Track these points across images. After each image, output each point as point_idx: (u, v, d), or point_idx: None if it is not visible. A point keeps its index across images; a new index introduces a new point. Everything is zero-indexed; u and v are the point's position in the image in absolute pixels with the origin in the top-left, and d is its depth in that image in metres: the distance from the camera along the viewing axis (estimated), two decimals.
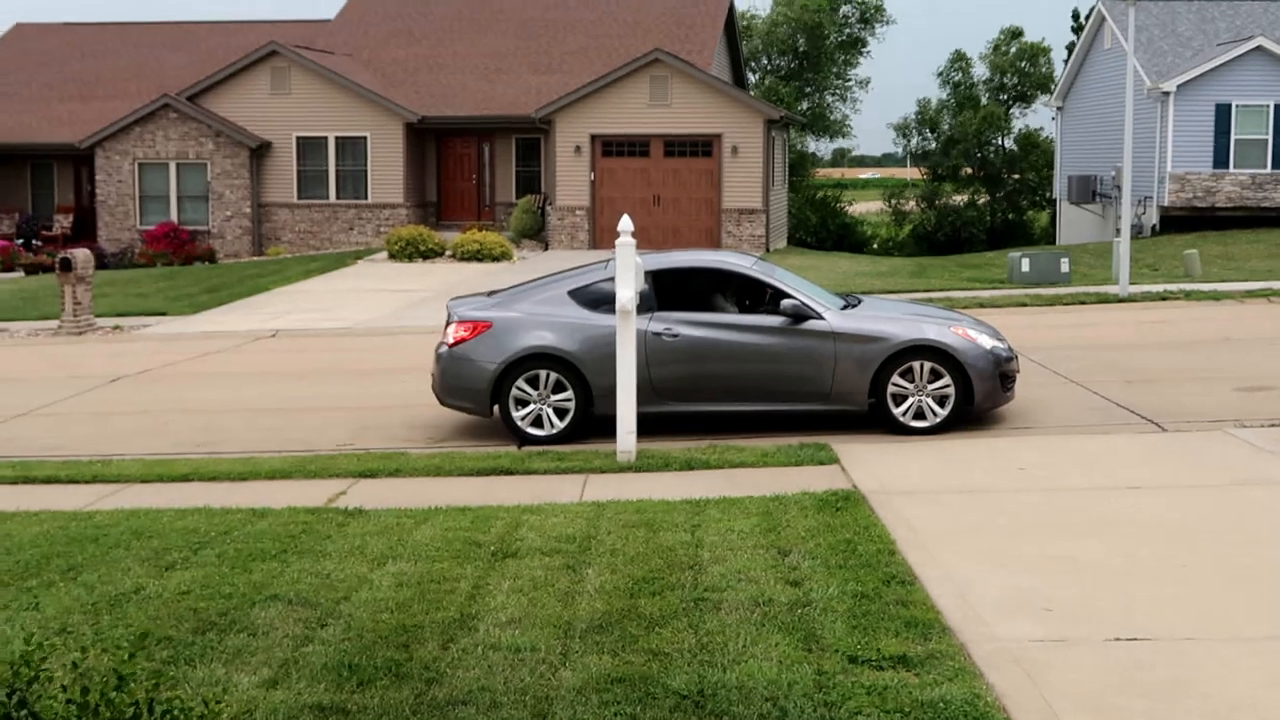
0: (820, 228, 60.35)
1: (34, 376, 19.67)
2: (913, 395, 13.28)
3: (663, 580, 8.26)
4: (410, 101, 40.75)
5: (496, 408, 13.62)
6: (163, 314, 27.18)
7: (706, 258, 14.48)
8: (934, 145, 66.41)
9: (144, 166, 41.05)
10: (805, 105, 64.68)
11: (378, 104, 40.19)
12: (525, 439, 13.41)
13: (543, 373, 13.43)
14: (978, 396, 13.32)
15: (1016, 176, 64.67)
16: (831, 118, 66.82)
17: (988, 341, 13.55)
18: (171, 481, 12.07)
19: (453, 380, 13.76)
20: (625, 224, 12.16)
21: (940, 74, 67.29)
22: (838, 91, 67.02)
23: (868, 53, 68.61)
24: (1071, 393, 15.18)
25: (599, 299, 13.55)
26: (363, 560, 8.95)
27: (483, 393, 13.56)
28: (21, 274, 37.65)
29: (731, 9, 47.18)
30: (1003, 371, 13.50)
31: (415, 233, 36.47)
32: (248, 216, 40.75)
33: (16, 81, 46.48)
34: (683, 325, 13.43)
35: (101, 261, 34.75)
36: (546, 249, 38.58)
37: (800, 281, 14.32)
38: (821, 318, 13.41)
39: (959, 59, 66.85)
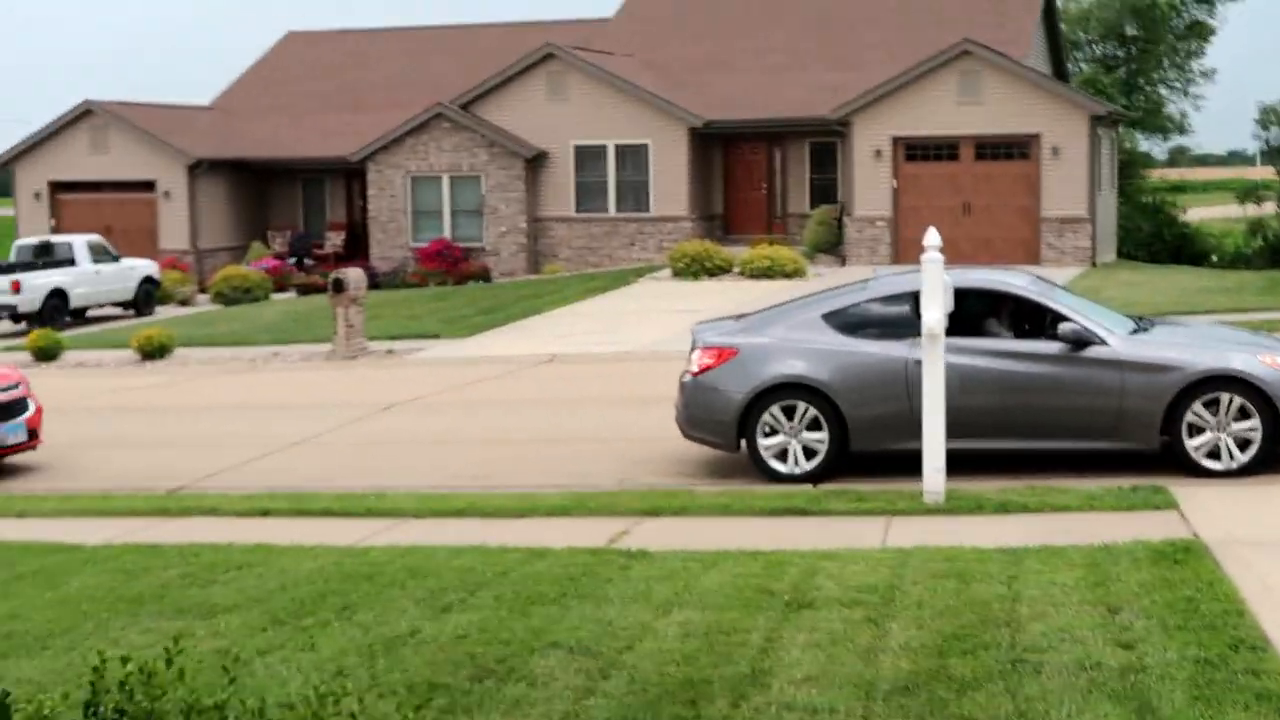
0: (1153, 238, 58.41)
1: (307, 403, 20.71)
2: (1211, 432, 12.81)
3: (976, 638, 8.18)
4: (693, 104, 41.20)
5: (743, 442, 13.76)
6: (436, 336, 28.26)
7: (978, 277, 14.31)
8: None
9: (416, 180, 42.70)
10: (1136, 98, 62.83)
11: (660, 108, 40.83)
12: (773, 476, 13.52)
13: (794, 404, 13.52)
14: None
15: None
16: (1168, 113, 64.64)
17: None
18: (447, 516, 12.56)
19: (697, 411, 13.98)
20: (932, 238, 12.12)
21: None
22: (1176, 85, 64.81)
23: (1211, 39, 66.12)
24: None
25: (857, 323, 13.69)
26: (647, 607, 9.13)
27: (728, 425, 13.70)
28: (294, 294, 39.72)
29: None
30: None
31: (700, 248, 36.91)
32: (523, 232, 41.86)
33: (288, 92, 49.05)
34: (950, 352, 13.26)
35: (373, 281, 36.28)
36: (844, 264, 38.49)
37: (1084, 303, 14.10)
38: (1105, 343, 13.10)
39: None
